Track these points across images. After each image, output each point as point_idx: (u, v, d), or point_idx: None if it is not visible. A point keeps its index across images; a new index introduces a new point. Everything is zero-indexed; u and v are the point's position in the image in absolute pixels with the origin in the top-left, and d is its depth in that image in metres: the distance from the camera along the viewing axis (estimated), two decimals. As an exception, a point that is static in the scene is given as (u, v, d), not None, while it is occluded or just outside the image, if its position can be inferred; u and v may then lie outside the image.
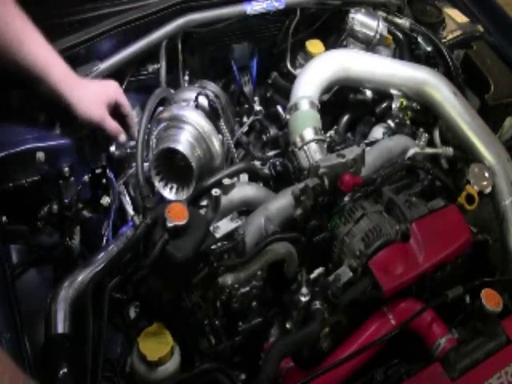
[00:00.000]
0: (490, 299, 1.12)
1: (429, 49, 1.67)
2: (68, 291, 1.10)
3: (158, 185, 1.24)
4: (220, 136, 1.32)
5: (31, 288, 1.15)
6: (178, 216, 0.98)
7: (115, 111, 1.31)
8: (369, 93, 1.60)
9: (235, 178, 1.32)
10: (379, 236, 1.16)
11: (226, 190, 1.26)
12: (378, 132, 1.55)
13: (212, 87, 1.47)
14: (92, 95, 1.26)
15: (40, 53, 1.19)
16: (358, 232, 1.17)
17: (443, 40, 1.70)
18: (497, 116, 1.62)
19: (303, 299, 1.13)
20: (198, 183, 1.24)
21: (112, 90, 1.31)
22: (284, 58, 1.67)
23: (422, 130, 1.49)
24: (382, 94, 1.58)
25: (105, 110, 1.27)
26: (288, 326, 1.17)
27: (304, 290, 1.15)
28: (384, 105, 1.58)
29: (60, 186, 1.19)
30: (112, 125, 1.28)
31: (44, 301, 1.09)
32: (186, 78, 1.55)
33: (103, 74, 1.38)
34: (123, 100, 1.33)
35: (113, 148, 1.36)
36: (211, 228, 1.12)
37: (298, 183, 1.24)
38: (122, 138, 1.31)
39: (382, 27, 1.64)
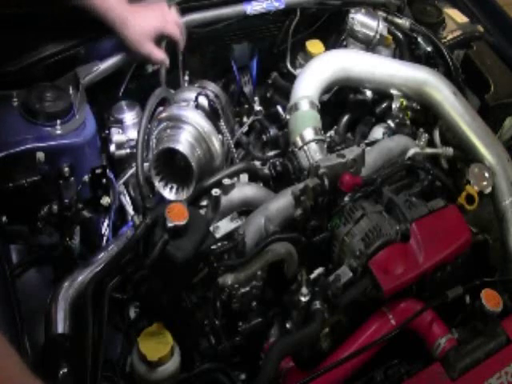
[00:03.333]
0: (490, 299, 1.12)
1: (429, 49, 1.67)
2: (68, 291, 1.10)
3: (158, 185, 1.24)
4: (220, 136, 1.32)
5: (31, 288, 1.15)
6: (178, 216, 0.98)
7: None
8: (369, 93, 1.60)
9: (235, 178, 1.32)
10: (379, 236, 1.16)
11: (226, 190, 1.26)
12: (378, 132, 1.55)
13: (212, 87, 1.47)
14: (141, 29, 1.34)
15: None
16: (358, 232, 1.17)
17: (443, 40, 1.70)
18: (497, 116, 1.61)
19: (303, 299, 1.13)
20: (198, 183, 1.24)
21: (159, 23, 1.38)
22: (284, 58, 1.67)
23: (422, 130, 1.49)
24: (382, 94, 1.58)
25: (151, 43, 1.37)
26: (288, 326, 1.17)
27: (304, 290, 1.14)
28: (384, 105, 1.58)
29: (60, 186, 1.19)
30: (158, 57, 1.39)
31: (44, 301, 1.09)
32: (186, 77, 1.55)
33: (103, 74, 1.38)
34: (170, 31, 1.40)
35: (113, 148, 1.36)
36: (211, 228, 1.12)
37: (298, 183, 1.24)
38: (167, 63, 1.42)
39: (382, 27, 1.64)
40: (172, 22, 1.40)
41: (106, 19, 1.30)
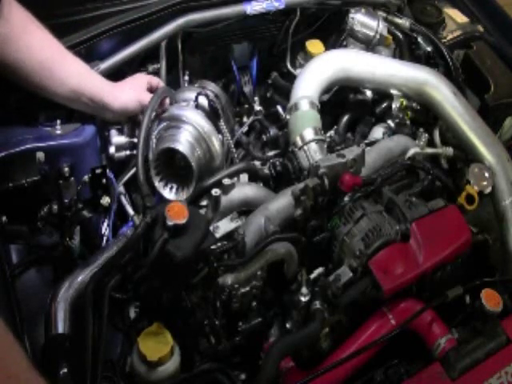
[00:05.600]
0: (490, 299, 1.12)
1: (429, 49, 1.67)
2: (68, 291, 1.09)
3: (158, 185, 1.24)
4: (220, 136, 1.32)
5: (31, 288, 1.15)
6: (177, 215, 0.97)
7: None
8: (369, 93, 1.60)
9: (235, 178, 1.32)
10: (379, 236, 1.16)
11: (226, 190, 1.26)
12: (377, 132, 1.55)
13: (212, 87, 1.47)
14: (130, 88, 1.34)
15: (74, 73, 1.26)
16: (357, 232, 1.17)
17: (443, 40, 1.70)
18: (497, 116, 1.61)
19: (303, 299, 1.13)
20: (197, 183, 1.24)
21: (143, 77, 1.39)
22: (284, 58, 1.67)
23: (421, 129, 1.49)
24: (382, 94, 1.58)
25: (144, 92, 1.36)
26: (288, 326, 1.17)
27: (304, 290, 1.14)
28: (384, 105, 1.58)
29: (60, 186, 1.19)
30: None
31: (44, 301, 1.09)
32: (186, 78, 1.55)
33: (103, 74, 1.38)
34: (154, 81, 1.41)
35: (112, 150, 1.35)
36: (211, 228, 1.12)
37: (298, 183, 1.24)
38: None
39: (382, 27, 1.64)
40: (145, 77, 1.41)
41: (96, 103, 1.28)
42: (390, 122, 1.55)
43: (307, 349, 1.15)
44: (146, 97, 1.31)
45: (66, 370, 0.99)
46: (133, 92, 1.34)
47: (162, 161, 1.25)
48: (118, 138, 1.37)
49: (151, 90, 1.38)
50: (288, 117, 1.43)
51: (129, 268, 1.09)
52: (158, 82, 1.42)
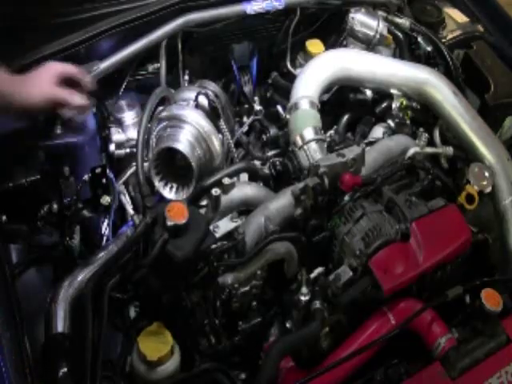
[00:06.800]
0: (490, 299, 1.12)
1: (429, 49, 1.67)
2: (68, 291, 1.10)
3: (158, 184, 1.24)
4: (220, 136, 1.33)
5: (31, 288, 1.15)
6: (177, 215, 0.98)
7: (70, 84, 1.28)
8: (369, 93, 1.60)
9: (235, 178, 1.32)
10: (379, 235, 1.16)
11: (226, 189, 1.26)
12: (377, 132, 1.55)
13: (212, 87, 1.47)
14: (37, 82, 1.22)
15: None
16: (357, 231, 1.17)
17: (443, 40, 1.70)
18: (497, 116, 1.61)
19: (303, 299, 1.13)
20: (197, 183, 1.24)
21: (53, 68, 1.26)
22: (284, 58, 1.67)
23: (421, 129, 1.49)
24: (382, 94, 1.59)
25: (53, 86, 1.23)
26: (288, 325, 1.17)
27: (304, 289, 1.15)
28: (384, 105, 1.59)
29: (60, 186, 1.19)
30: (63, 93, 1.23)
31: (44, 301, 1.09)
32: (186, 77, 1.55)
33: (103, 74, 1.39)
34: (69, 69, 1.28)
35: (112, 147, 1.36)
36: (211, 227, 1.12)
37: (298, 183, 1.24)
38: (77, 100, 1.25)
39: (382, 27, 1.64)
40: (57, 65, 1.28)
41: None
42: (390, 122, 1.55)
43: (307, 348, 1.15)
44: (54, 91, 1.22)
45: (65, 370, 0.99)
46: (38, 89, 1.21)
47: (161, 160, 1.25)
48: (118, 136, 1.37)
49: (70, 80, 1.27)
50: (288, 116, 1.43)
51: (129, 268, 1.09)
52: (76, 71, 1.30)
